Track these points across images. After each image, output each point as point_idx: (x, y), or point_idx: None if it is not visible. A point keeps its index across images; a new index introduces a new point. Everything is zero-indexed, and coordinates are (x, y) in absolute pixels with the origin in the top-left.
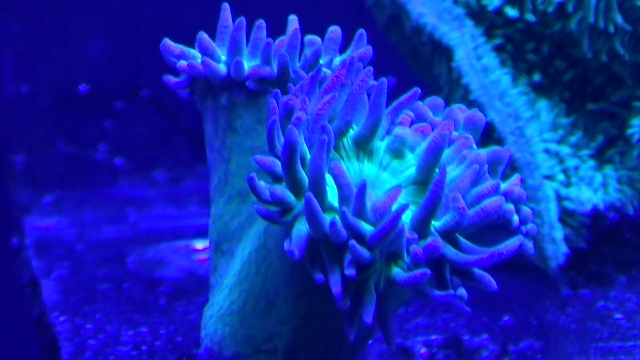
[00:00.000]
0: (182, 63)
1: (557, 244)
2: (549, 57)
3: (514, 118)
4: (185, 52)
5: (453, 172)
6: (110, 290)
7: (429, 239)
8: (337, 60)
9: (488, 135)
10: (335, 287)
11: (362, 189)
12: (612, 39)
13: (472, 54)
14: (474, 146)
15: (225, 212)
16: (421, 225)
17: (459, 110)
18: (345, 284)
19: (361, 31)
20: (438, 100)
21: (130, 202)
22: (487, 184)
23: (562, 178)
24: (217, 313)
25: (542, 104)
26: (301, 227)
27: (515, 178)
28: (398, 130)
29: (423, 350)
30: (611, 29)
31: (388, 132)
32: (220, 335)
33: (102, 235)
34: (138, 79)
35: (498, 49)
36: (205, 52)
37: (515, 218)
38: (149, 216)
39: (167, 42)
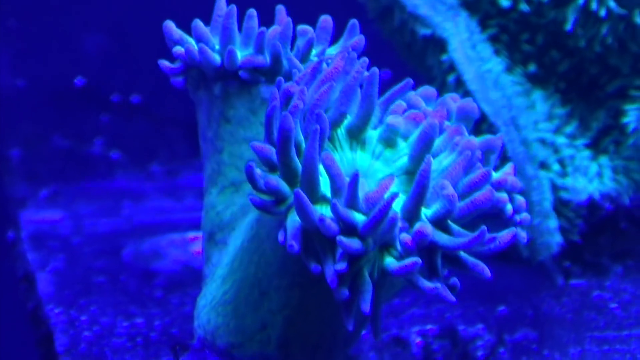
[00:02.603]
0: (179, 49)
1: (551, 234)
2: (544, 47)
3: (508, 108)
4: (183, 38)
5: (445, 160)
6: (106, 282)
7: (417, 225)
8: (331, 50)
9: (481, 124)
10: (331, 278)
11: (355, 179)
12: (605, 26)
13: (466, 44)
14: (466, 134)
15: (218, 202)
16: (411, 214)
17: (452, 100)
18: (340, 274)
19: (353, 21)
20: (430, 89)
21: (126, 195)
22: (478, 172)
23: (557, 168)
24: (210, 303)
25: (538, 94)
26: (295, 218)
27: (509, 167)
28: (390, 119)
29: (418, 340)
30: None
31: (381, 121)
32: (213, 325)
33: (97, 227)
34: (134, 73)
35: (493, 39)
36: (200, 39)
37: (509, 207)
38: (145, 209)
39: (169, 24)
